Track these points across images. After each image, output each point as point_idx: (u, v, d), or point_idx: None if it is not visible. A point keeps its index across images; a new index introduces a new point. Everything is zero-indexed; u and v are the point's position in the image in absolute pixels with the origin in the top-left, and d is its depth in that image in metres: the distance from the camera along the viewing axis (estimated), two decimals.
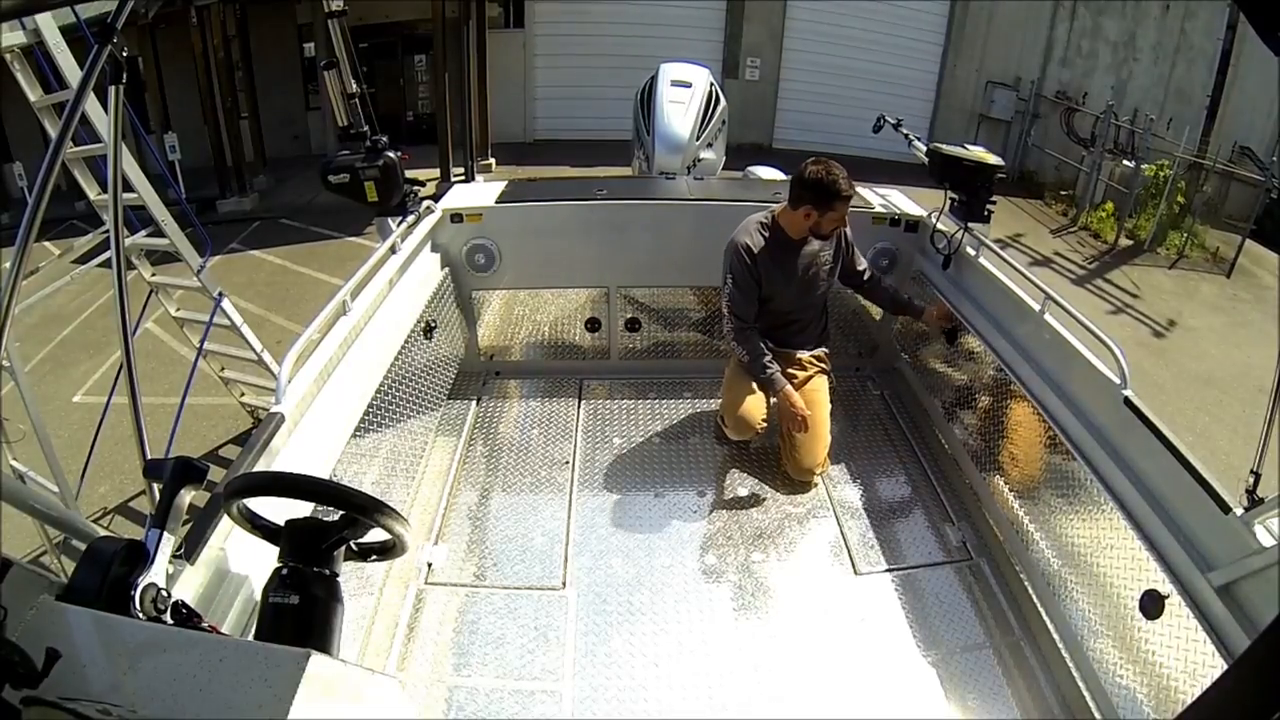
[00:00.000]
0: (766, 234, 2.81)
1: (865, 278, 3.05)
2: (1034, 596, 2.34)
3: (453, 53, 11.48)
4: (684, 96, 4.37)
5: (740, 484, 2.93)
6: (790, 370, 2.90)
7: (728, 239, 2.83)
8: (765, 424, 2.85)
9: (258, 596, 1.28)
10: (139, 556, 1.07)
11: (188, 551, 1.44)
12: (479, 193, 3.56)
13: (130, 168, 4.27)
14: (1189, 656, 1.72)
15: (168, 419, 4.73)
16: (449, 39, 11.35)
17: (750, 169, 4.94)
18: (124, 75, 1.46)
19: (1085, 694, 2.04)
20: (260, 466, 1.73)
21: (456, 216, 3.32)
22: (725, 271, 2.83)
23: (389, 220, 3.29)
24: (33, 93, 4.00)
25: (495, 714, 2.04)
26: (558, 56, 13.76)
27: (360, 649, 2.11)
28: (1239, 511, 1.71)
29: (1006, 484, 2.59)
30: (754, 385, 2.84)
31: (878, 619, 2.36)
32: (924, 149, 3.34)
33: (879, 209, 3.42)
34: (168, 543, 1.12)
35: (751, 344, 2.81)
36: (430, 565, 2.52)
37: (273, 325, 7.42)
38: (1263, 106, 11.65)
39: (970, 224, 3.04)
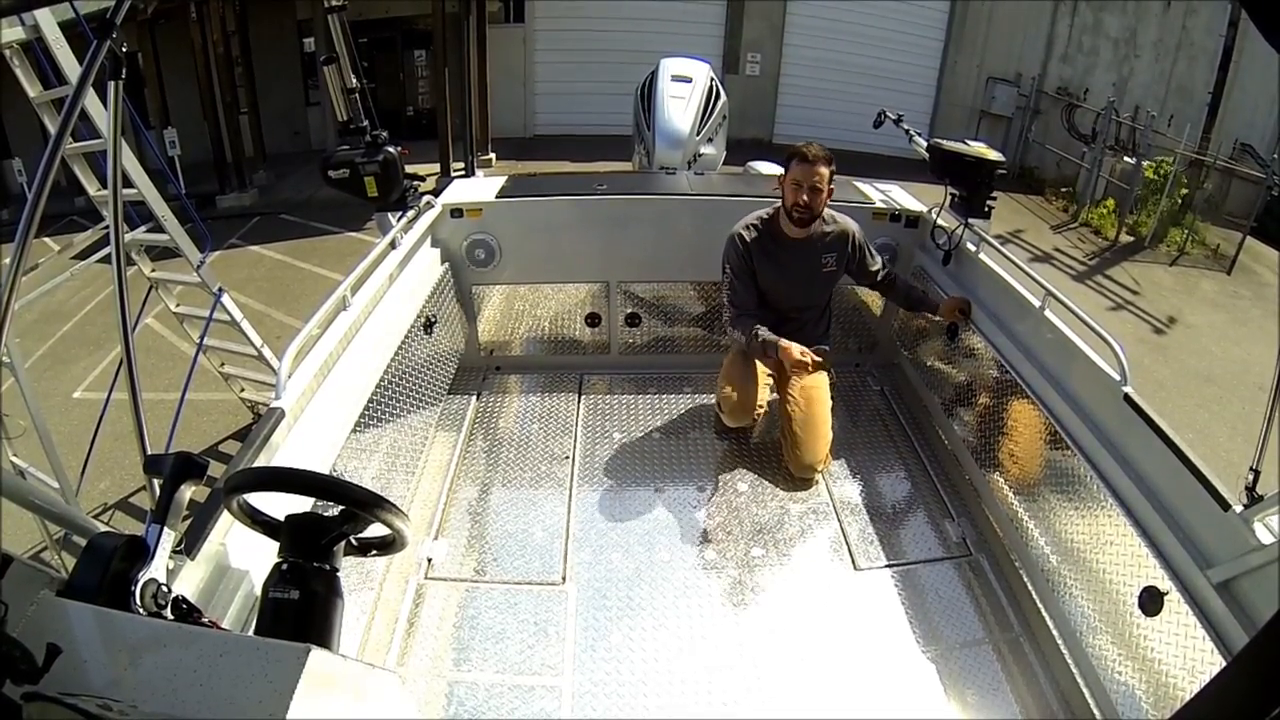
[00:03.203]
0: (762, 228, 2.87)
1: (879, 278, 3.06)
2: (1033, 593, 2.34)
3: (453, 48, 11.45)
4: (684, 91, 4.36)
5: (740, 479, 2.93)
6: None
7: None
8: (763, 409, 2.85)
9: (258, 592, 1.28)
10: (139, 552, 1.07)
11: (188, 547, 1.44)
12: (479, 188, 3.55)
13: (130, 163, 4.26)
14: (1188, 653, 1.72)
15: (168, 414, 4.73)
16: (449, 34, 11.33)
17: (751, 164, 4.93)
18: (123, 71, 1.46)
19: (1084, 690, 2.04)
20: (260, 462, 1.73)
21: (456, 211, 3.31)
22: (723, 261, 2.91)
23: (389, 215, 3.29)
24: (32, 88, 3.99)
25: (495, 709, 2.05)
26: (558, 51, 13.74)
27: (360, 644, 2.11)
28: (1238, 508, 1.71)
29: (1006, 480, 2.59)
30: (752, 371, 2.85)
31: (877, 614, 2.36)
32: (924, 144, 3.33)
33: (879, 204, 3.42)
34: (168, 538, 1.12)
35: (746, 324, 2.85)
36: (430, 560, 2.52)
37: (273, 320, 7.42)
38: (1264, 104, 11.64)
39: (971, 220, 3.04)
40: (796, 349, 2.70)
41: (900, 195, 3.57)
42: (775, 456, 2.99)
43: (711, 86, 4.48)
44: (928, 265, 3.28)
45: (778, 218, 2.86)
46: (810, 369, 2.72)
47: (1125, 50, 12.42)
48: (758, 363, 2.92)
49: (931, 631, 2.30)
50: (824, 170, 2.71)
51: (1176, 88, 12.25)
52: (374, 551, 1.33)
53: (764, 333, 2.79)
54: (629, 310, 3.54)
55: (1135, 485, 2.01)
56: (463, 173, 11.55)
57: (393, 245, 2.84)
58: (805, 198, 2.73)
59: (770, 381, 3.00)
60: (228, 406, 5.92)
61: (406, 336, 2.74)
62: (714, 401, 3.18)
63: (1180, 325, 8.42)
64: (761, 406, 2.85)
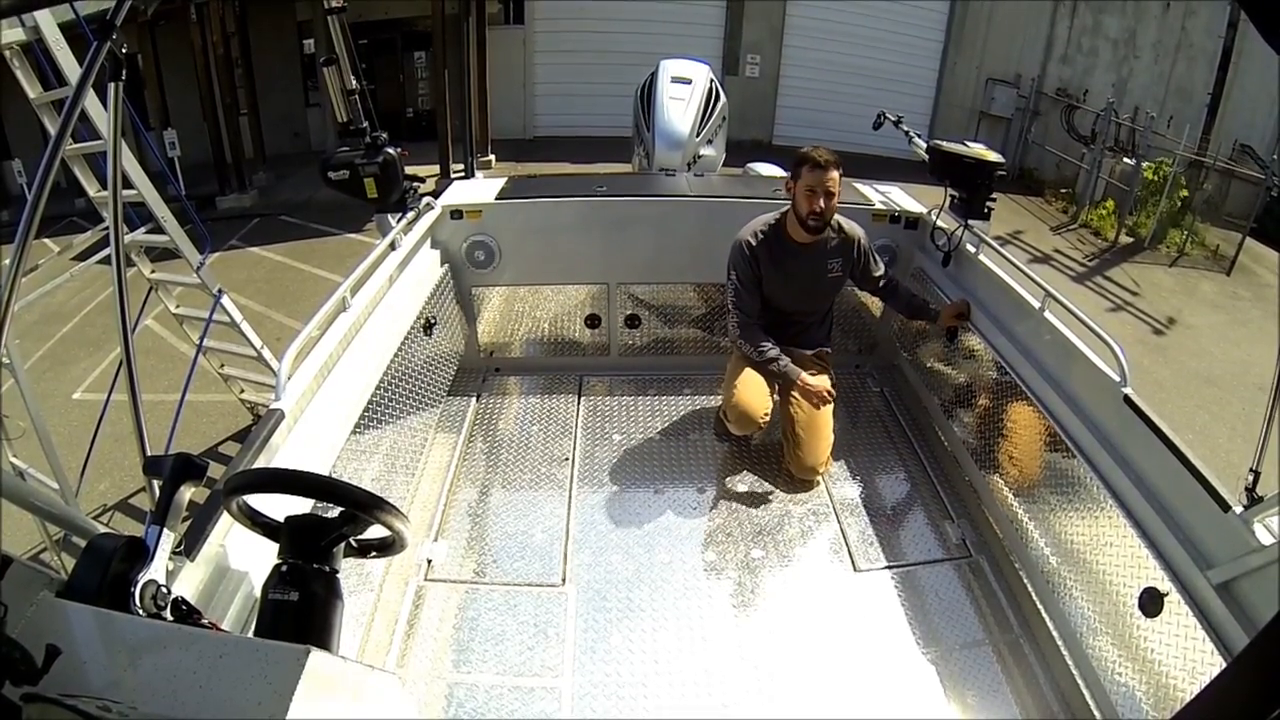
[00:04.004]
0: (769, 233, 2.85)
1: (881, 285, 3.05)
2: (1033, 594, 2.34)
3: (453, 49, 11.46)
4: (684, 93, 4.37)
5: (740, 480, 2.93)
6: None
7: (733, 237, 2.87)
8: (767, 418, 2.85)
9: (257, 593, 1.28)
10: (139, 553, 1.07)
11: (187, 548, 1.44)
12: (479, 189, 3.55)
13: (130, 164, 4.26)
14: (1188, 654, 1.72)
15: (167, 416, 4.73)
16: (449, 35, 11.34)
17: (750, 166, 4.94)
18: (123, 72, 1.45)
19: (1084, 691, 2.04)
20: (260, 463, 1.73)
21: (456, 213, 3.31)
22: (729, 267, 2.88)
23: (389, 217, 3.28)
24: (32, 90, 3.99)
25: (495, 710, 2.05)
26: (558, 53, 13.75)
27: (360, 645, 2.11)
28: (1238, 509, 1.71)
29: (1006, 481, 2.59)
30: (757, 379, 2.85)
31: (877, 616, 2.36)
32: (924, 146, 3.34)
33: (879, 206, 3.42)
34: (167, 539, 1.12)
35: (757, 341, 2.84)
36: (430, 562, 2.52)
37: (272, 322, 7.42)
38: (1263, 104, 11.64)
39: (970, 221, 3.04)
40: (813, 384, 2.79)
41: (900, 197, 3.57)
42: (775, 458, 2.99)
43: (711, 88, 4.48)
44: (927, 267, 3.28)
45: (785, 223, 2.84)
46: (828, 401, 2.80)
47: (1125, 51, 12.43)
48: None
49: (931, 633, 2.30)
50: (835, 175, 2.69)
51: (1176, 89, 12.26)
52: (374, 553, 1.33)
53: (785, 363, 2.82)
54: (629, 312, 3.54)
55: (1135, 486, 2.01)
56: (462, 174, 11.57)
57: (392, 247, 2.84)
58: (820, 204, 2.70)
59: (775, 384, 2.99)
60: (227, 408, 5.92)
61: (406, 338, 2.74)
62: (714, 403, 3.19)
63: (1180, 326, 8.42)
64: (765, 416, 2.84)
